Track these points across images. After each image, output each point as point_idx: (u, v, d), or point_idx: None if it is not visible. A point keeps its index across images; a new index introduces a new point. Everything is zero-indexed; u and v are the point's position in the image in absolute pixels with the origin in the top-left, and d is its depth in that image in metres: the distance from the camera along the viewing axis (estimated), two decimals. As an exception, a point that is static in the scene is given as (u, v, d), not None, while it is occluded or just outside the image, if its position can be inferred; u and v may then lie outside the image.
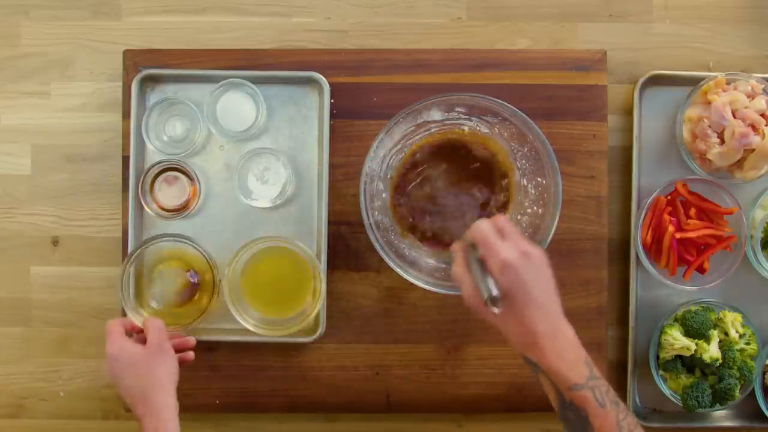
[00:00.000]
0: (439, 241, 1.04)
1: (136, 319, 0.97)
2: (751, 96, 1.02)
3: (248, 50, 1.07)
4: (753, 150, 1.00)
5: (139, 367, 0.91)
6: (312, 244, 1.06)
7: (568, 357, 0.79)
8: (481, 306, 0.80)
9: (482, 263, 0.81)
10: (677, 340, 1.02)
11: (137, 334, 0.96)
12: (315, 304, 1.00)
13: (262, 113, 1.04)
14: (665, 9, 1.10)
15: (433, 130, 1.03)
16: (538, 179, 1.00)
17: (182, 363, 0.96)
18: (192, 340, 0.99)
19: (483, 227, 0.82)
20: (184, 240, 1.01)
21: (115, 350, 0.91)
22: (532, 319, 0.79)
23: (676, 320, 1.05)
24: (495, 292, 0.78)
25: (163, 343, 0.93)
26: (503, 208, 1.04)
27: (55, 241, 1.09)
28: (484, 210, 1.03)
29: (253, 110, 1.04)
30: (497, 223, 0.83)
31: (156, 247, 1.02)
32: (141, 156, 1.06)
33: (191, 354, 0.98)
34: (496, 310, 0.78)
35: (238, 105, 1.04)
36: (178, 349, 0.97)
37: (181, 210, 1.05)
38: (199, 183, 1.05)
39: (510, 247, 0.80)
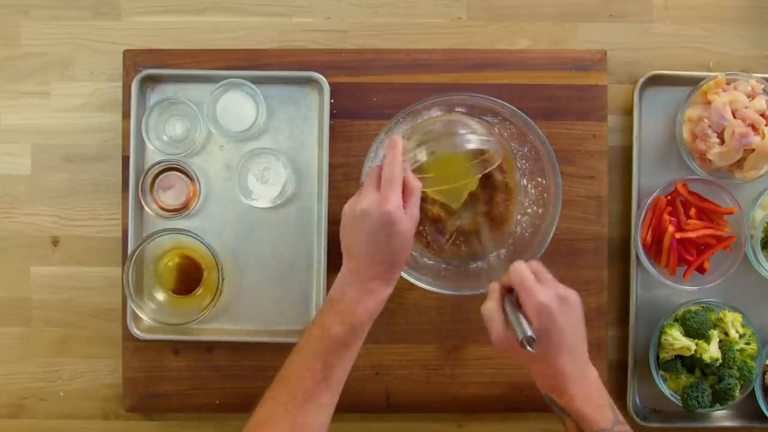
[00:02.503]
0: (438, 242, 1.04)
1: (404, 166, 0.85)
2: (751, 96, 1.02)
3: (248, 50, 1.07)
4: (753, 150, 1.00)
5: (402, 237, 0.83)
6: (312, 244, 1.06)
7: (595, 400, 0.80)
8: (512, 345, 0.80)
9: (516, 305, 0.82)
10: (677, 340, 1.02)
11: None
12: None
13: (262, 113, 1.04)
14: (665, 9, 1.10)
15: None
16: (538, 179, 1.00)
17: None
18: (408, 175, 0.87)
19: (522, 269, 0.82)
20: (194, 235, 1.01)
21: (391, 208, 0.81)
22: (562, 363, 0.80)
23: (676, 320, 1.05)
24: (530, 332, 0.79)
25: (417, 218, 0.85)
26: (504, 208, 1.04)
27: (55, 241, 1.09)
28: (485, 208, 1.03)
29: (253, 110, 1.04)
30: (534, 267, 0.84)
31: (161, 240, 1.02)
32: (141, 156, 1.06)
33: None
34: (530, 349, 0.79)
35: (238, 105, 1.05)
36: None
37: (181, 210, 1.05)
38: (199, 183, 1.05)
39: (547, 291, 0.81)
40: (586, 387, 0.80)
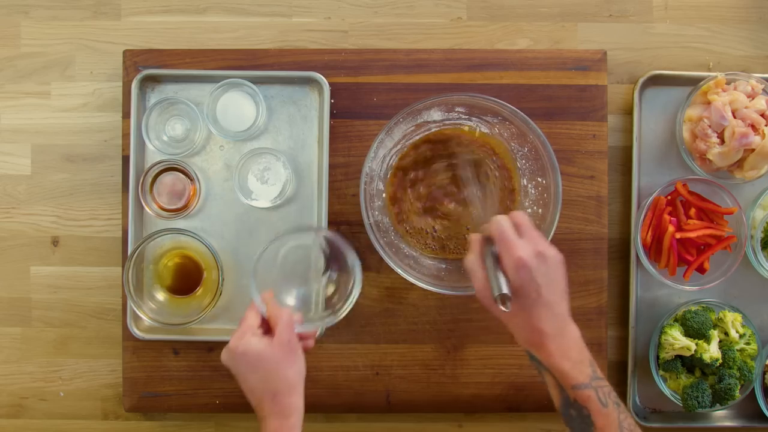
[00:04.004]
0: (439, 242, 1.04)
1: (259, 306, 0.90)
2: (751, 96, 1.02)
3: (248, 50, 1.07)
4: (753, 150, 1.00)
5: (269, 367, 0.85)
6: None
7: (574, 357, 0.80)
8: (491, 301, 0.81)
9: (497, 258, 0.81)
10: (677, 340, 1.02)
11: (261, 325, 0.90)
12: (347, 304, 0.95)
13: (262, 113, 1.04)
14: (665, 9, 1.10)
15: (433, 130, 1.03)
16: (538, 179, 1.00)
17: (303, 350, 0.91)
18: (313, 330, 0.95)
19: (502, 222, 0.82)
20: (194, 235, 1.01)
21: (241, 347, 0.85)
22: (540, 319, 0.80)
23: (676, 320, 1.05)
24: (506, 290, 0.79)
25: (292, 340, 0.87)
26: (506, 208, 1.04)
27: (55, 241, 1.09)
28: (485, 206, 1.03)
29: (253, 110, 1.04)
30: (516, 219, 0.83)
31: (161, 240, 1.02)
32: (141, 156, 1.06)
33: (312, 342, 0.93)
34: (504, 308, 0.79)
35: (238, 105, 1.05)
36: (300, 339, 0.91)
37: (181, 210, 1.05)
38: (199, 183, 1.05)
39: (526, 246, 0.80)
40: (565, 343, 0.80)
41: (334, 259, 0.99)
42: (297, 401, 0.86)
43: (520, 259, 0.79)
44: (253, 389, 0.86)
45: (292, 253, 1.00)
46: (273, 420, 0.84)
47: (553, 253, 0.82)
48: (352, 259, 0.93)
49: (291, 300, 0.99)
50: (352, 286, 0.94)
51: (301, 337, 0.91)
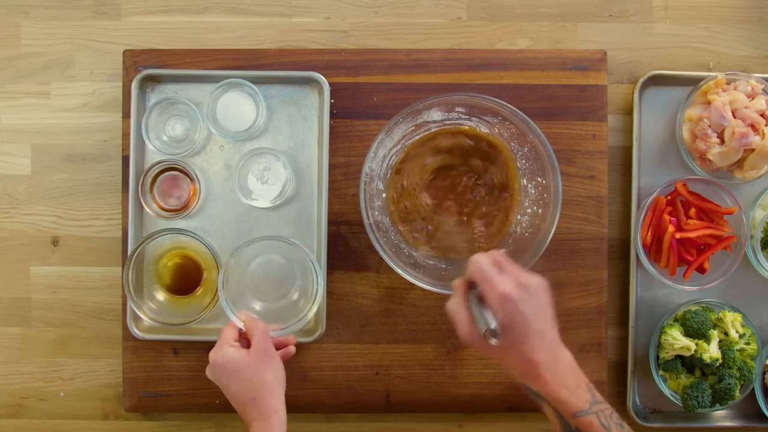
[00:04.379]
0: (439, 242, 1.04)
1: (236, 321, 0.97)
2: (751, 96, 1.02)
3: (248, 50, 1.07)
4: (753, 150, 1.00)
5: (247, 374, 0.91)
6: (312, 244, 1.06)
7: (570, 384, 0.79)
8: (478, 340, 0.80)
9: (481, 299, 0.81)
10: (677, 340, 1.02)
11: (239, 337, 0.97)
12: (312, 305, 1.00)
13: (262, 113, 1.04)
14: (665, 9, 1.10)
15: (433, 130, 1.03)
16: (538, 179, 1.00)
17: (284, 358, 0.97)
18: (291, 338, 1.01)
19: (481, 262, 0.82)
20: (194, 235, 1.01)
21: (219, 359, 0.92)
22: (532, 349, 0.80)
23: (676, 320, 1.05)
24: (494, 324, 0.78)
25: (268, 348, 0.93)
26: (507, 208, 1.04)
27: (55, 241, 1.09)
28: (488, 206, 1.03)
29: (253, 110, 1.04)
30: (494, 258, 0.83)
31: (161, 240, 1.02)
32: (141, 156, 1.06)
33: (292, 348, 1.00)
34: (494, 342, 0.79)
35: (238, 105, 1.05)
36: (280, 347, 0.98)
37: (181, 210, 1.05)
38: (199, 183, 1.05)
39: (508, 281, 0.80)
40: (559, 371, 0.80)
41: (297, 265, 1.05)
42: (277, 404, 0.91)
43: (504, 293, 0.79)
44: (236, 396, 0.91)
45: (260, 266, 1.05)
46: (255, 423, 0.89)
47: (536, 281, 0.81)
48: (311, 260, 0.99)
49: (262, 311, 1.04)
50: (316, 286, 0.99)
51: (280, 346, 0.98)
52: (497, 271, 0.81)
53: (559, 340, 0.82)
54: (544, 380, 0.79)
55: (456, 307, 0.83)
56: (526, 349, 0.79)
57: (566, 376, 0.80)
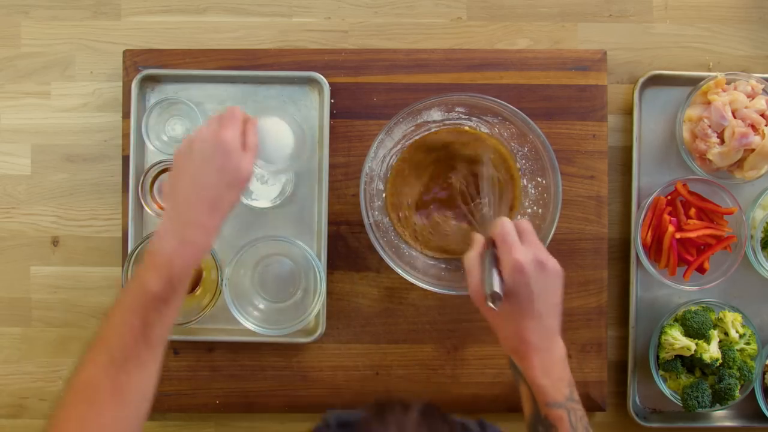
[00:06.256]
0: (439, 242, 1.04)
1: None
2: (751, 96, 1.02)
3: (248, 50, 1.07)
4: (753, 150, 1.00)
5: (227, 155, 0.79)
6: (312, 244, 1.06)
7: (554, 375, 0.79)
8: (482, 299, 0.80)
9: (496, 259, 0.81)
10: (677, 340, 1.02)
11: None
12: (314, 305, 1.00)
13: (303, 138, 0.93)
14: (665, 9, 1.10)
15: (433, 130, 1.03)
16: (538, 179, 1.00)
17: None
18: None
19: (506, 224, 0.82)
20: None
21: (234, 144, 0.79)
22: (528, 329, 0.79)
23: (676, 320, 1.05)
24: (498, 288, 0.78)
25: (251, 141, 0.82)
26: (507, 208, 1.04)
27: (55, 241, 1.09)
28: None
29: (291, 137, 0.93)
30: (520, 225, 0.83)
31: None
32: (141, 156, 1.06)
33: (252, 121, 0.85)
34: (493, 306, 0.79)
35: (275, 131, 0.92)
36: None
37: (181, 210, 1.05)
38: (199, 183, 1.05)
39: (526, 251, 0.80)
40: (549, 359, 0.80)
41: (302, 267, 1.05)
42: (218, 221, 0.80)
43: (518, 261, 0.79)
44: (199, 188, 0.79)
45: (267, 267, 1.06)
46: (202, 235, 0.79)
47: (553, 264, 0.81)
48: (313, 260, 0.99)
49: (266, 310, 1.05)
50: (319, 286, 1.00)
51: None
52: (518, 239, 0.81)
53: (558, 330, 0.81)
54: (530, 363, 0.79)
55: (472, 261, 0.82)
56: (522, 326, 0.79)
57: (553, 367, 0.80)
